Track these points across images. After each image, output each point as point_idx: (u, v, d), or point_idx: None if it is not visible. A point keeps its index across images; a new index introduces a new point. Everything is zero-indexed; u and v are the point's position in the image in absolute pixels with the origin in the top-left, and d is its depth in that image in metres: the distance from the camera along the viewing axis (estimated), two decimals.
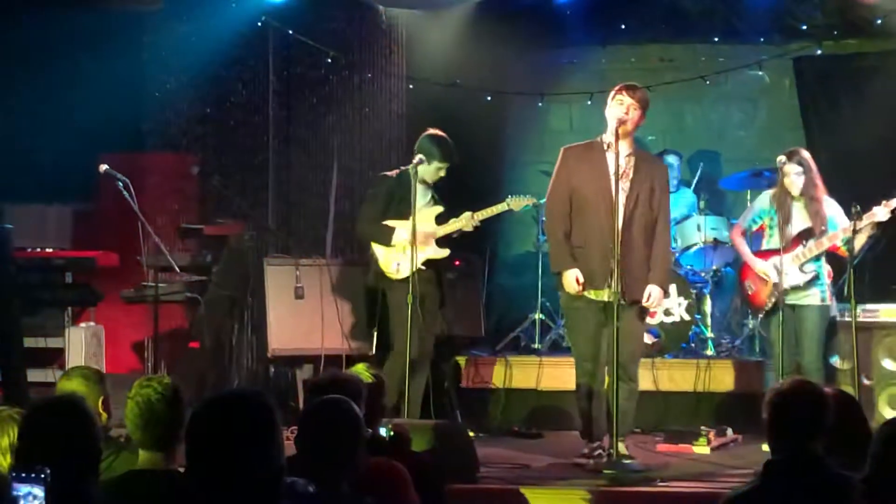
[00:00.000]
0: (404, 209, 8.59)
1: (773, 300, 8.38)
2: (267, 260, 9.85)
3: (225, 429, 3.38)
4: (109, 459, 4.74)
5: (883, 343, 8.84)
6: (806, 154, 8.45)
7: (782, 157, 8.40)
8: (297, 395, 9.54)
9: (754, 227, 8.69)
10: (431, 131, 8.83)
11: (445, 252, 8.87)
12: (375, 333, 9.31)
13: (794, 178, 8.37)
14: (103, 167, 8.47)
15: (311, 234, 10.69)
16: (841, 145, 10.58)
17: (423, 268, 8.66)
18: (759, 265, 8.55)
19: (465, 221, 8.84)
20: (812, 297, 8.39)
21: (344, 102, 10.77)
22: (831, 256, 8.50)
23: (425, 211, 8.77)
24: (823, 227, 8.33)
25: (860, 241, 8.24)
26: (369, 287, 9.09)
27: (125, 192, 8.37)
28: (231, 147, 10.60)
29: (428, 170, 8.71)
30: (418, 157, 8.60)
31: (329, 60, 10.65)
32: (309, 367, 9.73)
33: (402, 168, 8.79)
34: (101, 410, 5.07)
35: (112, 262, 9.80)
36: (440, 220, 8.86)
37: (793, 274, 8.33)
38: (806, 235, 8.36)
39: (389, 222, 8.72)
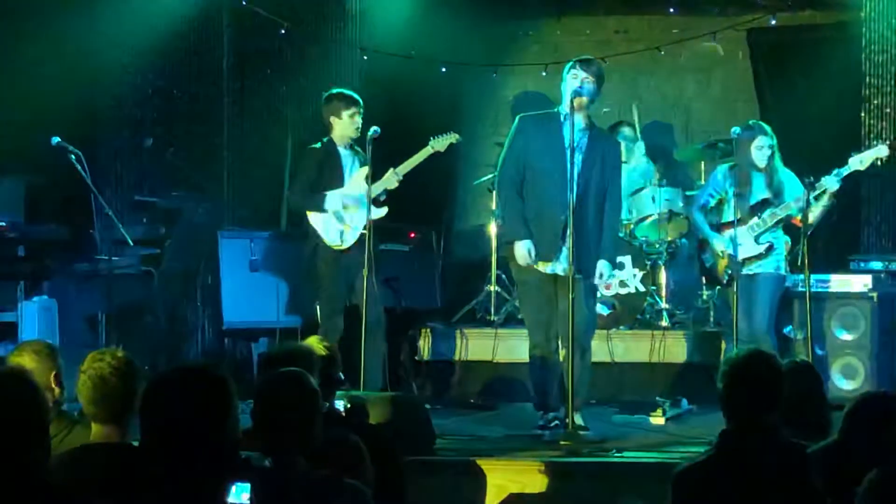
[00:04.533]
0: (335, 179, 8.60)
1: (730, 273, 8.40)
2: (221, 232, 9.80)
3: (179, 403, 3.37)
4: (62, 434, 4.71)
5: (836, 313, 8.91)
6: (768, 128, 8.46)
7: (736, 129, 8.42)
8: (253, 369, 9.52)
9: (712, 203, 8.65)
10: (325, 96, 8.88)
11: (384, 210, 8.83)
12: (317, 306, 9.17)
13: (766, 150, 8.36)
14: (55, 140, 8.40)
15: (265, 206, 10.64)
16: (794, 116, 10.63)
17: (365, 231, 8.65)
18: (716, 241, 8.55)
19: (389, 177, 8.83)
20: (767, 266, 8.40)
21: (298, 74, 10.72)
22: (789, 227, 8.52)
23: (356, 175, 8.78)
24: (779, 198, 8.35)
25: (817, 212, 8.26)
26: (308, 259, 8.99)
27: (77, 165, 8.30)
28: (185, 119, 10.53)
29: (343, 124, 8.72)
30: (329, 121, 8.65)
31: (283, 32, 10.59)
32: (265, 340, 9.71)
33: (324, 140, 8.78)
34: (53, 385, 5.02)
35: (65, 236, 9.71)
36: (374, 180, 8.84)
37: (748, 245, 8.35)
38: (762, 206, 8.37)
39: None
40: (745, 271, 8.35)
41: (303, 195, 8.78)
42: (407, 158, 8.93)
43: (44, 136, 8.63)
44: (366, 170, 8.76)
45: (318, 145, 8.80)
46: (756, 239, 8.36)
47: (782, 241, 8.44)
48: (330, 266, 8.66)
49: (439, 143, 8.98)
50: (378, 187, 8.75)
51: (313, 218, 8.72)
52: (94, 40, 10.27)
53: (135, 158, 10.57)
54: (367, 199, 8.59)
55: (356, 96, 8.81)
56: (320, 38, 10.79)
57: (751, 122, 8.62)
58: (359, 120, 8.73)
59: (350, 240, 8.67)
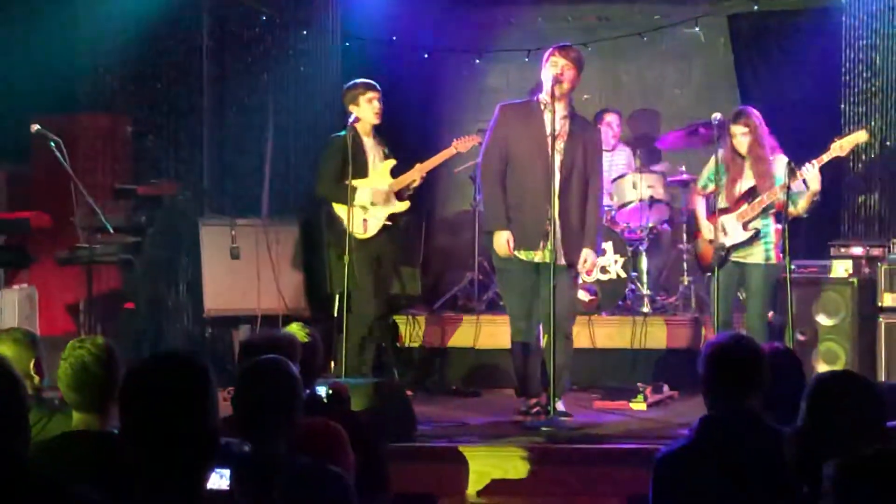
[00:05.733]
0: (359, 168, 8.60)
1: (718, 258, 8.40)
2: (202, 220, 9.78)
3: (159, 390, 3.35)
4: (42, 422, 4.70)
5: (817, 298, 8.91)
6: (753, 114, 8.41)
7: (717, 115, 8.41)
8: (234, 356, 9.50)
9: (710, 187, 8.63)
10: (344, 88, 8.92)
11: (406, 204, 8.91)
12: (337, 296, 9.16)
13: (740, 138, 8.34)
14: (35, 127, 8.37)
15: (246, 193, 10.62)
16: (775, 102, 10.62)
17: (389, 223, 8.79)
18: (706, 228, 8.55)
19: (416, 173, 8.89)
20: (756, 255, 8.40)
21: (279, 61, 10.69)
22: (780, 215, 8.50)
23: (380, 166, 8.82)
24: (768, 186, 8.33)
25: (804, 203, 8.24)
26: (331, 248, 9.03)
27: (57, 153, 8.27)
28: (165, 107, 10.49)
29: (363, 110, 8.71)
30: (349, 111, 8.65)
31: (263, 18, 10.56)
32: (246, 327, 9.69)
33: (347, 128, 8.77)
34: (33, 373, 5.01)
35: (45, 224, 9.66)
36: (395, 172, 8.89)
37: (736, 232, 8.35)
38: (751, 194, 8.36)
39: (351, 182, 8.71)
40: (735, 258, 8.37)
41: (330, 187, 8.78)
42: (388, 145, 8.97)
43: (23, 124, 8.59)
44: (391, 162, 8.84)
45: (342, 133, 8.76)
46: (744, 226, 8.36)
47: (771, 229, 8.41)
48: (360, 254, 8.64)
49: (462, 144, 9.08)
50: (403, 181, 8.90)
51: (338, 206, 8.73)
52: (73, 27, 10.24)
53: (115, 146, 10.53)
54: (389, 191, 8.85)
55: (373, 82, 8.82)
56: (301, 25, 10.75)
57: (738, 108, 8.61)
58: (377, 104, 8.74)
59: (373, 229, 8.72)
